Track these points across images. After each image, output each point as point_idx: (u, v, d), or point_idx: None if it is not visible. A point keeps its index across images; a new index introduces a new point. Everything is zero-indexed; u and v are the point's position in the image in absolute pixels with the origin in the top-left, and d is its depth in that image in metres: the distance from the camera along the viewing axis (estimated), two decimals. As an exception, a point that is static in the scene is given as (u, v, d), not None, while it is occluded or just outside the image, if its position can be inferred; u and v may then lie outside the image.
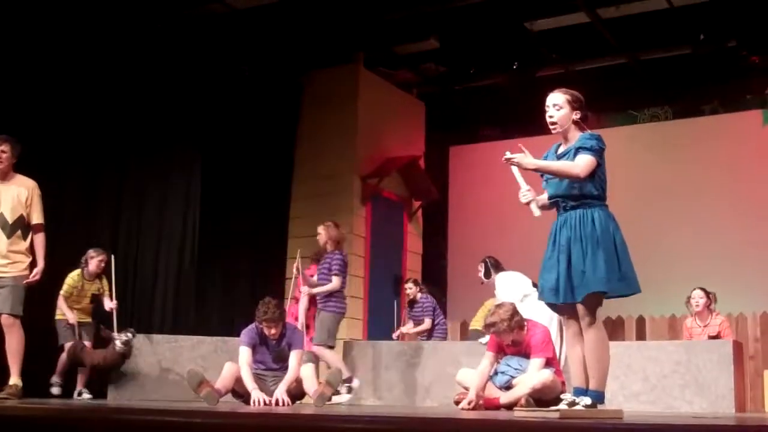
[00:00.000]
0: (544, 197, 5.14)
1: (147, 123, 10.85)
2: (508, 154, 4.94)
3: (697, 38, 11.78)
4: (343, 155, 12.64)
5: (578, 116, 5.05)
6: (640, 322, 12.41)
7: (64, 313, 8.94)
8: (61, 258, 8.77)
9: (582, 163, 4.88)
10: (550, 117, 5.07)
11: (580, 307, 4.89)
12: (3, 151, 7.18)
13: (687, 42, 11.93)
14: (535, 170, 5.01)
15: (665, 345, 8.94)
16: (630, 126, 13.58)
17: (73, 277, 9.00)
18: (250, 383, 7.38)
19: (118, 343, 8.86)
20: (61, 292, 8.93)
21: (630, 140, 13.05)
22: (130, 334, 8.96)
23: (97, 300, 9.18)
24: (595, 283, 4.81)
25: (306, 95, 13.19)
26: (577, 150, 4.94)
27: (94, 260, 9.07)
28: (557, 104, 5.06)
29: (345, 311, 9.20)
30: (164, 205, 11.16)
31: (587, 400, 4.80)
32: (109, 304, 9.14)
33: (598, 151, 4.92)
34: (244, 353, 7.58)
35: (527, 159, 4.94)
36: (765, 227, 11.95)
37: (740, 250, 12.05)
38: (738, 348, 8.69)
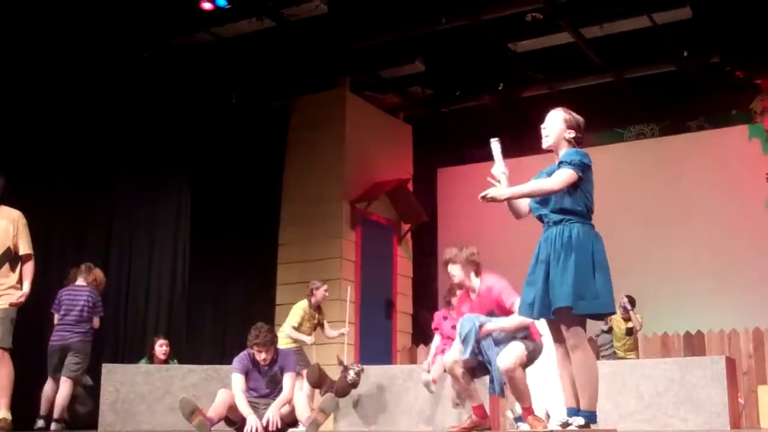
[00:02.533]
0: (519, 202, 5.14)
1: (136, 151, 10.88)
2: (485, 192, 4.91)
3: (680, 55, 11.84)
4: (331, 180, 12.63)
5: (571, 135, 5.06)
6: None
7: (297, 339, 9.37)
8: (51, 282, 8.72)
9: (560, 178, 4.86)
10: (543, 128, 5.10)
11: (563, 328, 4.87)
12: None
13: (671, 59, 11.99)
14: (510, 197, 4.98)
15: (659, 363, 8.90)
16: (617, 144, 13.61)
17: (302, 308, 9.47)
18: (245, 409, 7.32)
19: (351, 373, 8.95)
20: (292, 323, 9.40)
21: (617, 158, 13.08)
22: (360, 366, 9.13)
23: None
24: (561, 298, 4.76)
25: (293, 121, 13.20)
26: (560, 164, 4.93)
27: (320, 290, 9.55)
28: (552, 119, 5.10)
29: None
30: (154, 233, 11.13)
31: (580, 421, 4.78)
32: (333, 333, 9.80)
33: (580, 166, 4.89)
34: (238, 380, 7.53)
35: (500, 190, 4.93)
36: (754, 242, 11.96)
37: (730, 265, 12.05)
38: (731, 364, 8.67)
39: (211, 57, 11.57)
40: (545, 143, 5.09)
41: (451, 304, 8.87)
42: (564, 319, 4.83)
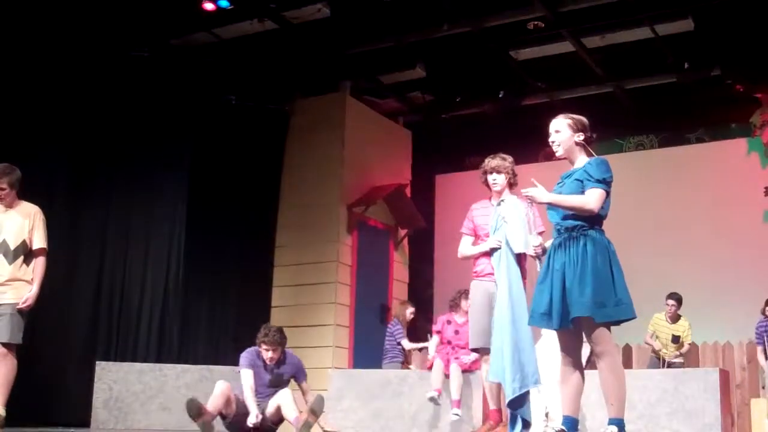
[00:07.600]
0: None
1: (134, 150, 10.85)
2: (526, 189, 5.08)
3: (681, 67, 11.84)
4: (329, 183, 12.61)
5: (581, 138, 5.12)
6: (627, 350, 12.38)
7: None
8: (47, 286, 8.70)
9: (595, 198, 4.95)
10: (552, 141, 5.17)
11: (594, 335, 4.82)
12: (2, 189, 7.21)
13: (672, 71, 12.00)
14: (548, 203, 4.99)
15: (652, 373, 8.91)
16: (615, 154, 13.56)
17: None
18: (253, 407, 7.38)
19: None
20: None
21: (615, 169, 12.82)
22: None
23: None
24: (580, 308, 4.75)
25: (292, 124, 13.18)
26: (589, 179, 4.99)
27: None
28: (557, 129, 5.18)
29: None
30: (150, 233, 11.10)
31: (613, 429, 4.73)
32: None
33: (610, 183, 4.95)
34: (247, 375, 7.59)
35: (541, 193, 4.98)
36: (750, 255, 11.96)
37: (726, 278, 12.04)
38: (725, 376, 8.67)
39: (212, 57, 11.56)
40: (558, 153, 5.14)
41: (460, 307, 8.87)
42: (587, 328, 4.79)
